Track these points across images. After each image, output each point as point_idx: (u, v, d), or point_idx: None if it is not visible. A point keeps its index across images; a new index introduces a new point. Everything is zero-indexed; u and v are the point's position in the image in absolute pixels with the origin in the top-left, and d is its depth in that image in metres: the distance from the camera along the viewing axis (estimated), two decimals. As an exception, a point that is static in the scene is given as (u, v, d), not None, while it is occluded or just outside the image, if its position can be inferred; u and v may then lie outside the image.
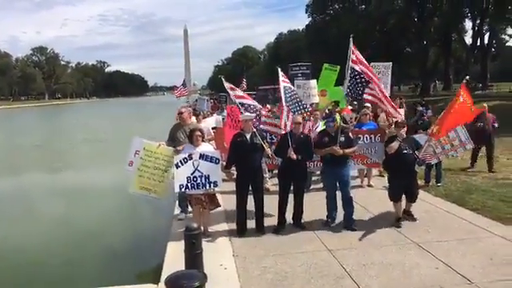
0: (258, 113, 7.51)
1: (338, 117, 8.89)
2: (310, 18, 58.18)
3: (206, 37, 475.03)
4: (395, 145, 6.51)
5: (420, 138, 7.15)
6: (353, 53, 7.03)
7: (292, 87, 7.64)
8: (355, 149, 7.00)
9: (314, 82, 10.19)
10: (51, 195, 12.32)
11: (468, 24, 44.16)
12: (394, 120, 8.74)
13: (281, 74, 7.41)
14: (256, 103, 7.77)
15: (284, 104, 7.33)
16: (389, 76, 9.97)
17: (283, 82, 7.34)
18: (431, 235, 6.29)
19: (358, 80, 7.07)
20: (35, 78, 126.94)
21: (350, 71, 7.01)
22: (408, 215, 6.89)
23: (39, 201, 11.92)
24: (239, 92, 8.02)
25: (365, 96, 7.40)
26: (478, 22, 39.21)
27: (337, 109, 9.52)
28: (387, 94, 10.19)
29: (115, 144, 7.23)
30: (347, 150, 6.70)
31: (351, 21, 43.91)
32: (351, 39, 7.03)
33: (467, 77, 7.69)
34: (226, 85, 7.92)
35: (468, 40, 43.98)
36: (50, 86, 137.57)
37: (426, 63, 47.75)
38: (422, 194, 8.09)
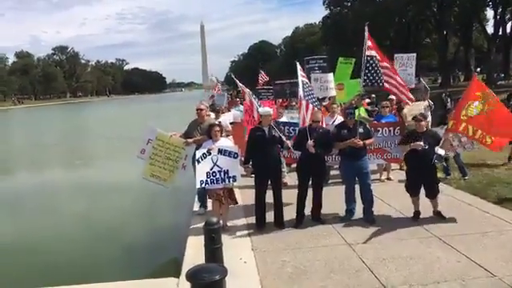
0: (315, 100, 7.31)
1: (362, 109, 8.85)
2: (328, 11, 57.49)
3: (223, 32, 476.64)
4: (418, 144, 6.36)
5: (440, 129, 7.02)
6: (369, 39, 6.93)
7: (308, 82, 7.52)
8: (373, 140, 6.97)
9: (330, 76, 10.12)
10: (73, 190, 12.64)
11: (489, 13, 43.06)
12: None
13: (299, 68, 7.36)
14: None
15: (302, 98, 7.28)
16: (413, 67, 9.84)
17: (301, 76, 7.28)
18: (453, 228, 6.19)
19: (374, 65, 6.90)
20: (56, 77, 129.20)
21: (365, 59, 6.87)
22: (438, 215, 6.64)
23: (62, 195, 12.25)
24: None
25: (385, 85, 7.25)
26: (500, 10, 38.14)
27: (361, 102, 9.44)
28: (412, 85, 10.11)
29: (137, 141, 7.38)
30: (367, 142, 6.66)
31: (369, 12, 43.27)
32: (366, 27, 6.95)
33: (478, 69, 7.50)
34: (240, 85, 8.07)
35: (489, 29, 42.88)
36: (71, 85, 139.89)
37: (446, 54, 46.76)
38: (443, 186, 7.98)
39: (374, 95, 13.43)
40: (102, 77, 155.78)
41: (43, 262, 7.14)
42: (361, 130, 6.66)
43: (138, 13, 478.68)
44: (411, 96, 8.28)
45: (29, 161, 19.49)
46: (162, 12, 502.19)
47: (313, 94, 7.23)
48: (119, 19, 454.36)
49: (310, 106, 7.01)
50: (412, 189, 6.69)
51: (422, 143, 6.35)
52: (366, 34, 6.90)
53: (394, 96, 8.38)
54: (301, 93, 7.14)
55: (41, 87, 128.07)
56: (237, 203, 6.86)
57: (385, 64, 7.21)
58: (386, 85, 7.34)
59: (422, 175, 6.54)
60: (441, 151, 6.46)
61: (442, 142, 6.60)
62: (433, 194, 6.63)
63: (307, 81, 7.41)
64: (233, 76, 8.30)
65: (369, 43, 6.88)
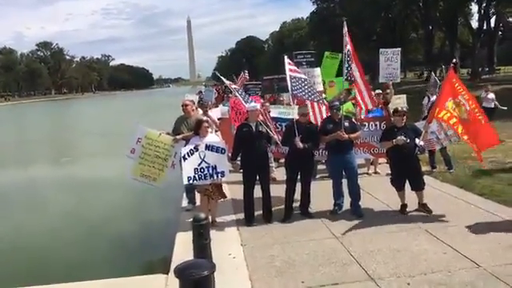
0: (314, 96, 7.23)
1: (350, 103, 8.87)
2: (315, 6, 57.53)
3: (209, 28, 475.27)
4: (400, 140, 6.41)
5: (420, 124, 7.11)
6: (347, 35, 6.97)
7: (298, 76, 7.40)
8: (359, 133, 7.01)
9: (318, 70, 10.14)
10: (61, 187, 12.48)
11: (474, 8, 43.56)
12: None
13: (287, 62, 7.29)
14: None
15: (291, 93, 7.26)
16: (398, 62, 9.90)
17: (290, 70, 7.22)
18: (439, 221, 6.28)
19: (350, 61, 6.96)
20: (41, 74, 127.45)
21: (346, 54, 6.94)
22: (423, 208, 6.70)
23: (49, 192, 12.10)
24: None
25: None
26: (484, 5, 38.57)
27: (349, 97, 9.46)
28: (397, 79, 10.13)
29: (125, 137, 7.36)
30: (352, 135, 6.70)
31: (356, 8, 43.44)
32: (345, 22, 7.00)
33: (454, 60, 7.53)
34: (226, 82, 8.02)
35: (474, 24, 43.42)
36: (55, 81, 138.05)
37: (432, 48, 47.23)
38: (429, 179, 8.09)
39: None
40: (87, 73, 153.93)
41: (31, 260, 7.05)
42: (346, 123, 6.69)
43: (123, 8, 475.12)
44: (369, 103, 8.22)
45: (17, 157, 19.25)
46: (147, 7, 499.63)
47: (303, 87, 7.16)
48: (104, 14, 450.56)
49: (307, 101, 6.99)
50: (397, 183, 6.77)
51: (403, 137, 6.40)
52: (345, 29, 6.95)
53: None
54: (289, 88, 7.13)
55: (25, 84, 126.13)
56: (226, 197, 6.85)
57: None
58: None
59: (406, 168, 6.61)
60: (422, 143, 6.57)
61: (423, 133, 6.69)
62: (418, 187, 6.69)
63: (295, 75, 7.30)
64: (218, 74, 8.25)
65: (347, 39, 6.93)
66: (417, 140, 6.52)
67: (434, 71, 45.24)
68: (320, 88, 9.99)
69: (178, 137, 6.98)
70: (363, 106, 7.70)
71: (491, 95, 14.65)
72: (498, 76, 39.51)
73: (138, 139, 6.88)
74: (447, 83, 6.81)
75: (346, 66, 6.93)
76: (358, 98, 7.46)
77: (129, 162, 7.00)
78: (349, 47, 6.91)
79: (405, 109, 8.96)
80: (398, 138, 6.41)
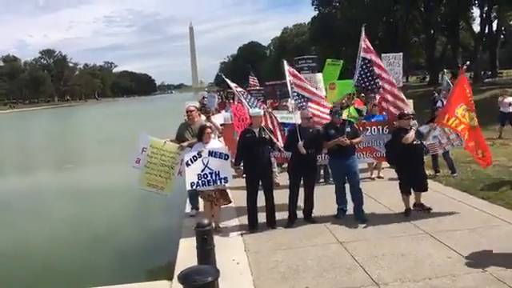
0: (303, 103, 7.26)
1: (353, 108, 8.90)
2: (317, 11, 57.60)
3: (212, 34, 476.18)
4: (412, 134, 6.48)
5: (424, 128, 7.14)
6: (364, 41, 6.93)
7: (300, 93, 7.30)
8: (361, 139, 7.01)
9: (319, 75, 10.19)
10: (65, 193, 12.52)
11: (476, 11, 43.55)
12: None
13: (286, 67, 7.28)
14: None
15: (291, 98, 7.27)
16: (400, 67, 9.92)
17: (292, 83, 7.17)
18: (443, 225, 6.26)
19: (366, 69, 6.93)
20: (44, 81, 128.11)
21: (360, 60, 6.90)
22: (421, 207, 6.77)
23: (53, 199, 12.14)
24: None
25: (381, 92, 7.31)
26: (486, 9, 38.54)
27: (352, 101, 9.47)
28: (400, 83, 10.13)
29: (130, 144, 7.37)
30: (354, 140, 6.71)
31: (357, 13, 43.52)
32: (363, 28, 6.97)
33: (467, 62, 7.54)
34: (232, 84, 8.00)
35: (476, 28, 43.37)
36: (58, 89, 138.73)
37: (434, 52, 47.20)
38: (433, 183, 8.07)
39: (363, 94, 13.50)
40: (90, 80, 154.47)
41: (35, 267, 7.07)
42: (348, 129, 6.69)
43: (126, 15, 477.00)
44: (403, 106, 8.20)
45: (22, 164, 19.37)
46: (150, 14, 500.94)
47: (299, 94, 7.15)
48: (107, 22, 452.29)
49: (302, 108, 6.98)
50: (405, 187, 6.78)
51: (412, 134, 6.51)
52: (363, 35, 6.90)
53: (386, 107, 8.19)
54: (290, 94, 7.13)
55: (28, 91, 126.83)
56: (230, 202, 6.85)
57: (382, 73, 7.13)
58: (382, 94, 7.38)
59: (414, 173, 6.65)
60: (425, 142, 6.67)
61: (427, 136, 6.73)
62: (424, 189, 6.75)
63: (297, 91, 7.23)
64: (223, 76, 8.19)
65: (364, 45, 6.88)
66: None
67: (436, 75, 45.40)
68: (322, 93, 10.03)
69: (183, 144, 6.98)
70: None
71: (508, 99, 14.33)
72: (500, 79, 39.41)
73: (143, 148, 6.85)
74: (458, 88, 6.77)
75: (361, 71, 6.88)
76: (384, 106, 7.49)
77: (132, 169, 7.00)
78: (367, 56, 6.84)
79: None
80: (413, 123, 6.63)
